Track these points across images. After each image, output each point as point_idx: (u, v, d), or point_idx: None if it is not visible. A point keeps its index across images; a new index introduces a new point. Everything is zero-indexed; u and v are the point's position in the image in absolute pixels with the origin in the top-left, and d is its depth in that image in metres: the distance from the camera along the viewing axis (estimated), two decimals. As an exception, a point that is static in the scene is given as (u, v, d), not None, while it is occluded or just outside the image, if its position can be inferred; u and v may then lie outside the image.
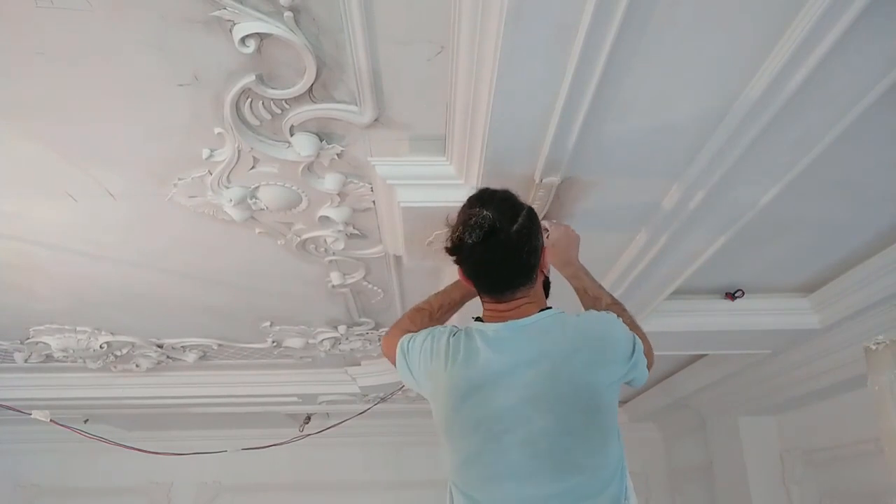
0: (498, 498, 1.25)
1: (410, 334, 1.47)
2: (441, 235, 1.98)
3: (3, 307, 2.81)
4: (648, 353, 1.41)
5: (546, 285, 1.48)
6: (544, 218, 1.69)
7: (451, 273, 2.51)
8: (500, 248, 1.30)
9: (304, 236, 2.21)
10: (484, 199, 1.35)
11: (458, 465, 1.31)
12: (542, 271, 1.40)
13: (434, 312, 1.64)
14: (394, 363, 1.50)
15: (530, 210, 1.37)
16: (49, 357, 3.41)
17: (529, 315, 1.34)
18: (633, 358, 1.33)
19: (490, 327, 1.35)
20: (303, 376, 4.00)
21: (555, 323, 1.33)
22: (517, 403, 1.25)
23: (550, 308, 1.38)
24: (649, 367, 1.41)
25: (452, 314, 1.70)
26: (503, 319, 1.34)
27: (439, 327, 1.46)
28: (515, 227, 1.30)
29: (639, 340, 1.37)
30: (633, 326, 1.41)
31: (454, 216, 1.37)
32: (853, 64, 1.31)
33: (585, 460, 1.24)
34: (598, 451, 1.26)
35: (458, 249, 1.32)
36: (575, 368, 1.27)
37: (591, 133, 1.50)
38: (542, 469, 1.23)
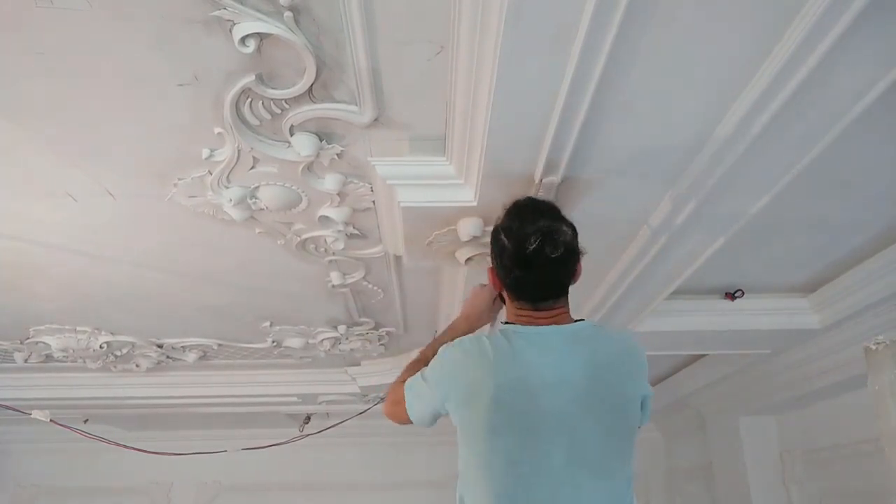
0: (537, 500, 1.26)
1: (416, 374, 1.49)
2: (441, 235, 1.98)
3: (3, 307, 2.81)
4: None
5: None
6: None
7: (450, 272, 2.51)
8: (567, 263, 1.35)
9: (304, 236, 2.21)
10: (553, 212, 1.40)
11: (493, 466, 1.30)
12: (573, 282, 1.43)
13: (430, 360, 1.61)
14: (402, 418, 1.49)
15: (573, 225, 1.42)
16: (49, 357, 3.41)
17: (567, 323, 1.38)
18: (649, 399, 1.38)
19: (532, 330, 1.36)
20: (303, 376, 4.00)
21: (598, 333, 1.40)
22: (564, 407, 1.28)
23: (583, 319, 1.42)
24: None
25: None
26: (540, 325, 1.37)
27: (458, 340, 1.45)
28: (577, 242, 1.38)
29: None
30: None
31: (504, 221, 1.40)
32: (853, 64, 1.31)
33: (618, 467, 1.30)
34: (628, 459, 1.32)
35: (529, 260, 1.32)
36: (618, 377, 1.34)
37: (591, 133, 1.50)
38: (582, 473, 1.27)
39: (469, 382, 1.35)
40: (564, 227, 1.35)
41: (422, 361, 1.58)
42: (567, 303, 1.41)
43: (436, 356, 1.44)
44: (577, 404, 1.28)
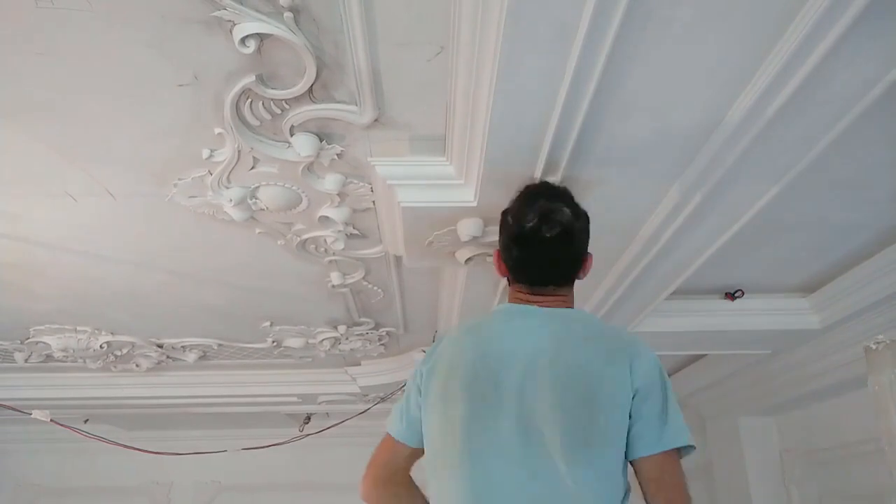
0: (480, 475, 1.20)
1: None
2: (441, 235, 1.98)
3: (3, 307, 2.81)
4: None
5: None
6: None
7: (450, 273, 2.51)
8: (567, 245, 1.35)
9: (304, 236, 2.21)
10: (557, 193, 1.41)
11: (446, 435, 1.27)
12: (580, 275, 1.41)
13: None
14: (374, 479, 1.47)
15: (586, 214, 1.43)
16: (49, 357, 3.41)
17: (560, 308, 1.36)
18: (652, 408, 1.21)
19: (514, 306, 1.36)
20: (303, 376, 4.00)
21: (578, 315, 1.35)
22: (517, 377, 1.24)
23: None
24: None
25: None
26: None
27: None
28: (581, 226, 1.38)
29: (674, 401, 1.26)
30: None
31: (511, 203, 1.43)
32: (853, 63, 1.31)
33: (574, 454, 1.17)
34: (590, 450, 1.18)
35: (527, 238, 1.33)
36: (580, 354, 1.25)
37: (591, 133, 1.50)
38: (531, 451, 1.18)
39: (436, 357, 1.38)
40: (565, 209, 1.34)
41: None
42: (570, 293, 1.38)
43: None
44: (530, 377, 1.23)
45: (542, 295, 1.36)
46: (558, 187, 1.46)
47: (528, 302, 1.36)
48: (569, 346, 1.26)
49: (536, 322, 1.31)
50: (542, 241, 1.32)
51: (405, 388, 1.47)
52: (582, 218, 1.39)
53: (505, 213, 1.43)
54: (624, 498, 1.22)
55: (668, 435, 1.24)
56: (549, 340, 1.27)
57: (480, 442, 1.22)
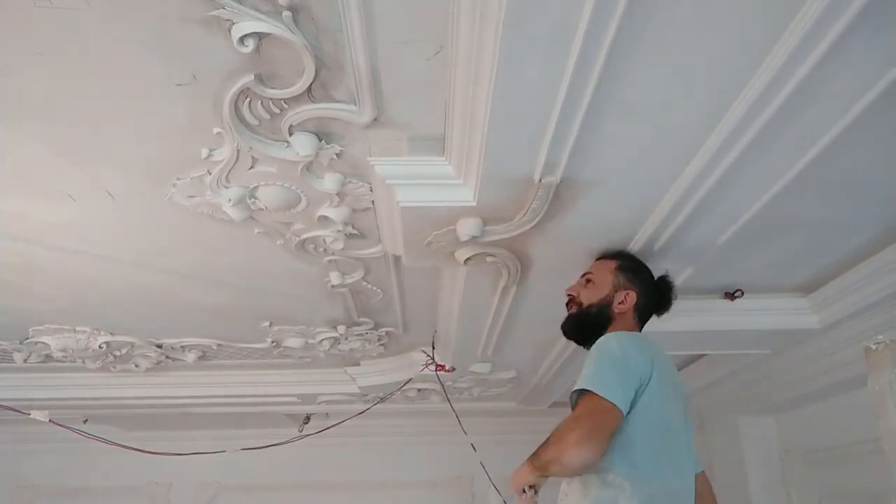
0: (682, 481, 1.65)
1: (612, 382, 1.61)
2: (440, 235, 1.98)
3: (3, 307, 2.82)
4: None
5: None
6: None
7: (450, 272, 2.51)
8: None
9: (304, 236, 2.21)
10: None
11: (655, 454, 1.60)
12: None
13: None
14: (606, 433, 1.53)
15: None
16: (49, 357, 3.41)
17: None
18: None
19: (648, 335, 1.87)
20: (303, 376, 4.00)
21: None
22: (680, 404, 1.77)
23: None
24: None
25: None
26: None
27: (617, 337, 1.73)
28: None
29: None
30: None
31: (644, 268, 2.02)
32: (853, 63, 1.31)
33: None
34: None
35: (670, 304, 2.02)
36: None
37: (590, 133, 1.50)
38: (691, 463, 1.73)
39: (654, 354, 1.71)
40: None
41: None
42: None
43: (609, 349, 1.67)
44: (683, 397, 1.81)
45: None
46: None
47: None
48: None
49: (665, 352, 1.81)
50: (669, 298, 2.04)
51: (622, 361, 1.64)
52: None
53: (651, 275, 1.99)
54: None
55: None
56: (674, 368, 1.83)
57: (682, 444, 1.71)
